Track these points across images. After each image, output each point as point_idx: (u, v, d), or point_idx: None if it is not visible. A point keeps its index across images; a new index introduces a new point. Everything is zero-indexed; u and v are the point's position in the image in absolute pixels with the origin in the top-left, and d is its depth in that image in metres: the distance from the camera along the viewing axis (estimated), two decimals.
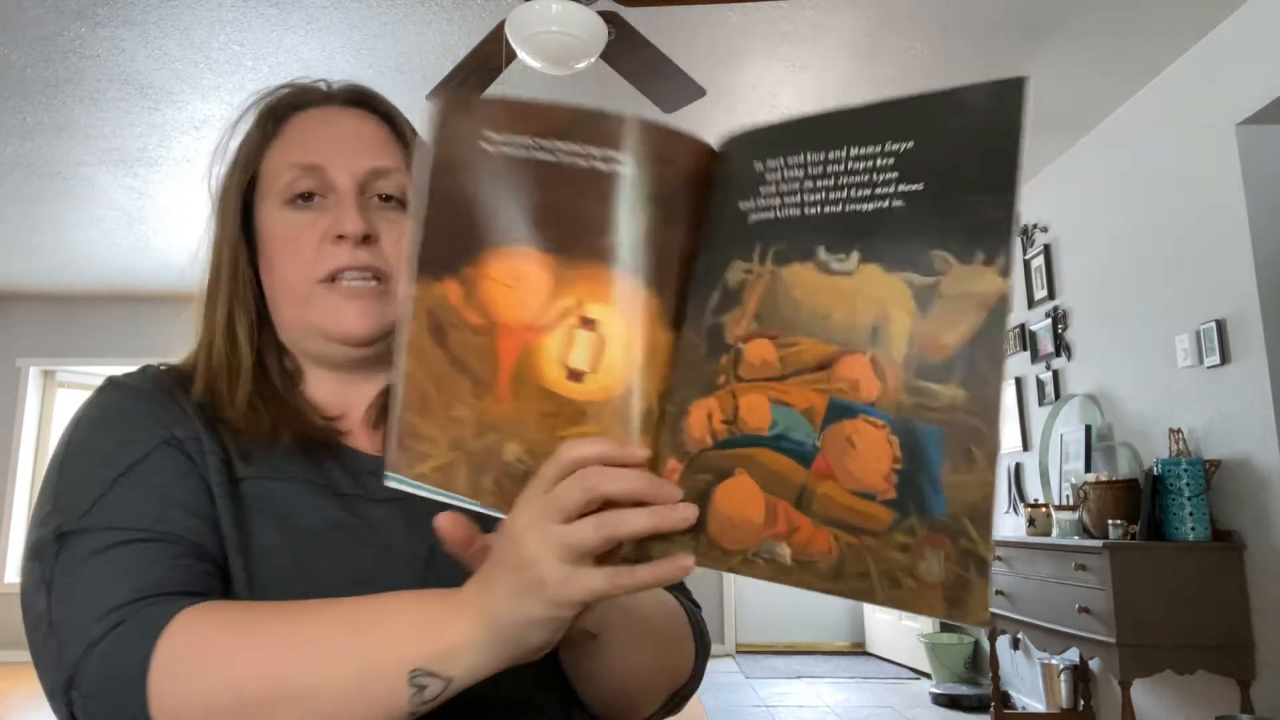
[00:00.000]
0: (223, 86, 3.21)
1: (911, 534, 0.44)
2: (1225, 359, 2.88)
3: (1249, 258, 2.78)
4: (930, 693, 4.48)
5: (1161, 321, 3.21)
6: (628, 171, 0.47)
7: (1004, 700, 4.04)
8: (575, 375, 0.47)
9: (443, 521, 0.51)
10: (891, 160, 0.46)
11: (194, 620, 0.53)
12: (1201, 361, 2.98)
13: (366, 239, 0.69)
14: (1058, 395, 3.92)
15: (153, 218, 4.58)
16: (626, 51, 2.61)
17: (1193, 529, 2.85)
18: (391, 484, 0.50)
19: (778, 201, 0.48)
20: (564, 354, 0.47)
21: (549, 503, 0.47)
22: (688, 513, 0.47)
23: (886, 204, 0.45)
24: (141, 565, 0.57)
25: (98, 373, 6.31)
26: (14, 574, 5.95)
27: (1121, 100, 3.42)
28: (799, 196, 0.48)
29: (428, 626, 0.51)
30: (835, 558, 0.45)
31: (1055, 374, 3.95)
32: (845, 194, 0.47)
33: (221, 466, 0.64)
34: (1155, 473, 2.97)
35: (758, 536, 0.46)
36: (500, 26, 2.47)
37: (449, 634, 0.50)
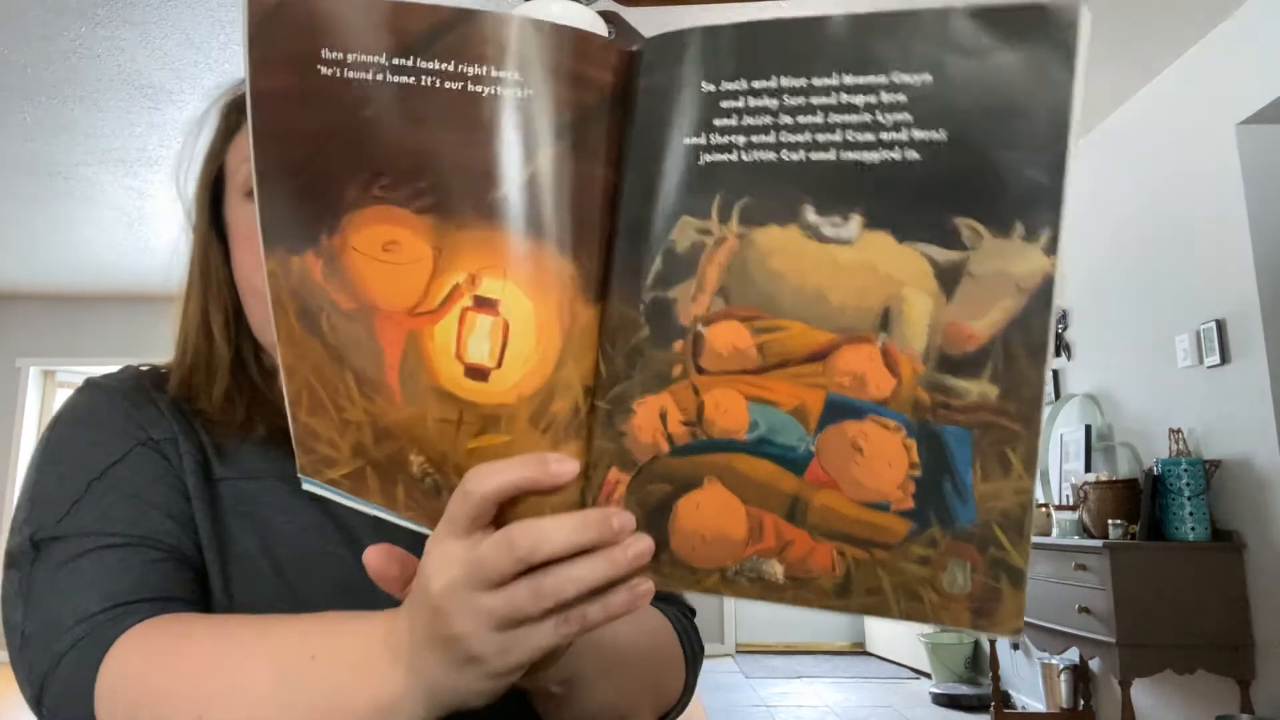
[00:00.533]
0: (223, 87, 3.20)
1: (932, 545, 0.38)
2: (1225, 359, 2.88)
3: (1249, 258, 2.78)
4: (930, 692, 4.48)
5: (1161, 321, 3.21)
6: (518, 93, 0.36)
7: (1004, 700, 4.04)
8: (476, 372, 0.38)
9: (371, 557, 0.45)
10: (903, 98, 0.36)
11: (132, 646, 0.51)
12: (1201, 361, 2.98)
13: None
14: (1057, 395, 3.92)
15: (153, 218, 4.58)
16: None
17: (1193, 529, 2.85)
18: (308, 488, 0.45)
19: (742, 140, 0.38)
20: (459, 346, 0.38)
21: (471, 570, 0.39)
22: (643, 546, 0.40)
23: (897, 154, 0.36)
24: (114, 572, 0.55)
25: (98, 373, 6.32)
26: None
27: (1122, 100, 3.42)
28: (774, 135, 0.38)
29: (365, 680, 0.45)
30: (840, 573, 0.39)
31: (1055, 374, 3.95)
32: (841, 136, 0.37)
33: (198, 467, 0.63)
34: (1155, 473, 2.97)
35: (739, 553, 0.40)
36: None
37: (387, 688, 0.44)
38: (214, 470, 0.64)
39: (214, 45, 2.94)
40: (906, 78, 0.36)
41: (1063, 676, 3.71)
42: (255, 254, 0.63)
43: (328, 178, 0.38)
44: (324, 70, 0.37)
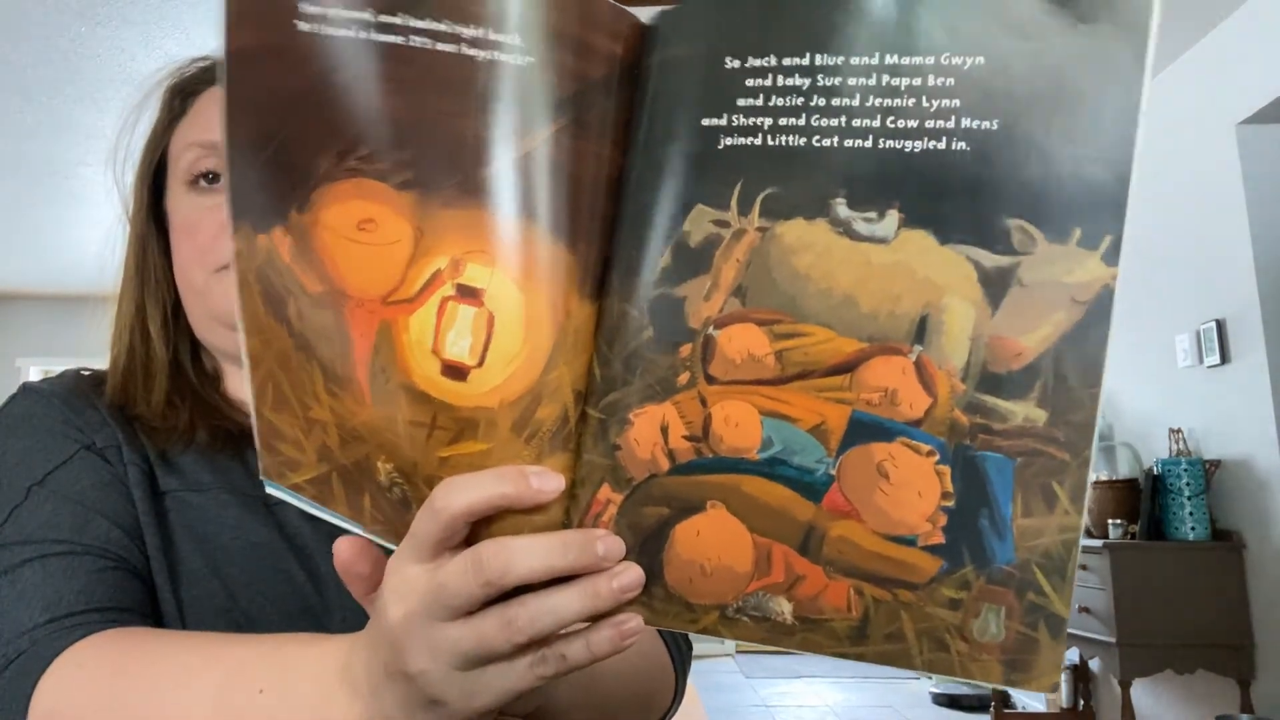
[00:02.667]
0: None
1: (965, 587, 0.34)
2: (1225, 359, 2.88)
3: (1249, 258, 2.78)
4: (930, 692, 4.48)
5: (1161, 321, 3.21)
6: (518, 60, 0.32)
7: (1004, 700, 4.04)
8: (455, 370, 0.33)
9: (342, 549, 0.38)
10: (952, 81, 0.32)
11: (71, 666, 0.47)
12: (1201, 361, 2.98)
13: None
14: None
15: None
16: None
17: (1193, 529, 2.85)
18: (270, 492, 0.41)
19: (768, 122, 0.34)
20: (436, 339, 0.33)
21: (432, 597, 0.34)
22: (631, 577, 0.35)
23: (943, 144, 0.32)
24: (57, 581, 0.52)
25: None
26: None
27: None
28: (804, 118, 0.33)
29: (317, 718, 0.40)
30: (857, 615, 0.35)
31: None
32: (880, 122, 0.33)
33: (144, 478, 0.60)
34: (1155, 472, 2.97)
35: (742, 588, 0.35)
36: None
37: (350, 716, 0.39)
38: (159, 482, 0.60)
39: (214, 45, 2.94)
40: (957, 59, 0.32)
41: (1063, 676, 3.71)
42: (197, 248, 0.62)
43: (301, 146, 0.33)
44: (302, 26, 0.32)
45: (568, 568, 0.34)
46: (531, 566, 0.34)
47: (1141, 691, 3.23)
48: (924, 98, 0.32)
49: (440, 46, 0.31)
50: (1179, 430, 3.03)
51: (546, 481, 0.34)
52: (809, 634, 0.35)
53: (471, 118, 0.32)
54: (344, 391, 0.35)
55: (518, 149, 0.32)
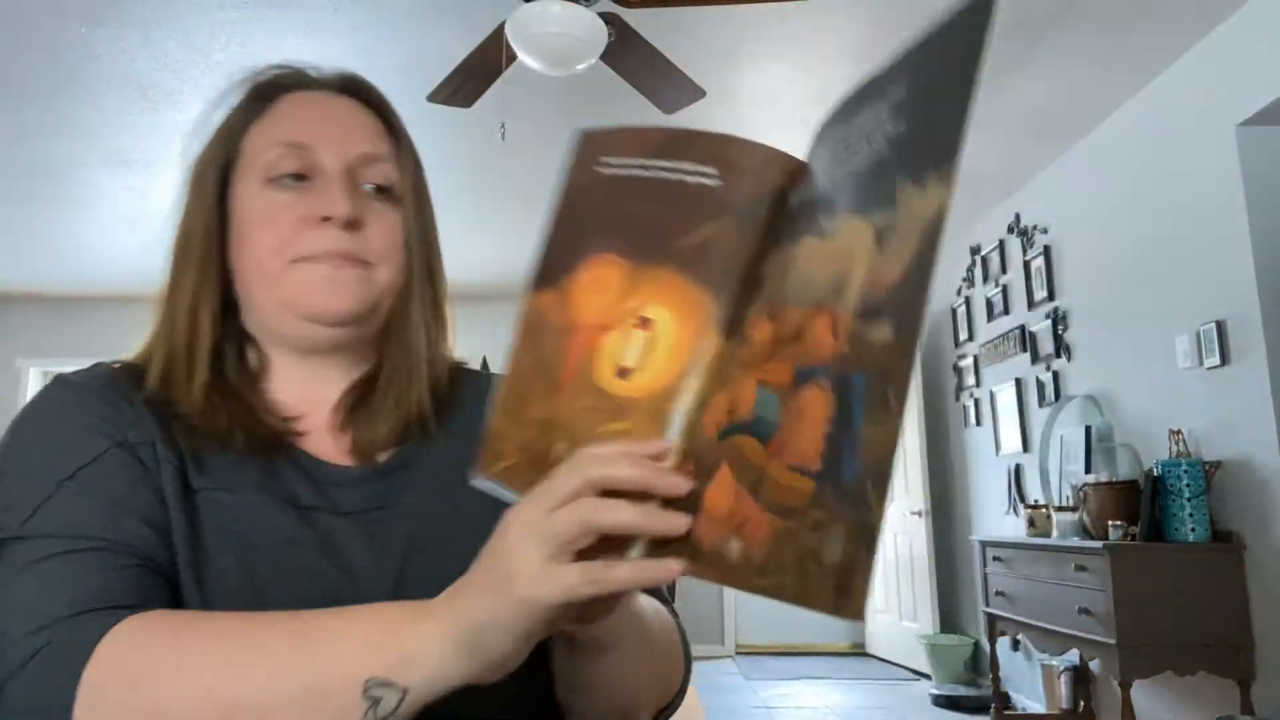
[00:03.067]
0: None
1: (824, 508, 0.40)
2: (1225, 359, 2.88)
3: (1249, 258, 2.78)
4: (930, 694, 4.48)
5: (1161, 322, 3.21)
6: (711, 184, 0.47)
7: (1004, 701, 4.04)
8: (623, 372, 0.46)
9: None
10: (889, 110, 0.43)
11: (131, 634, 0.50)
12: (1201, 362, 2.98)
13: (352, 224, 0.65)
14: (1058, 396, 3.92)
15: (153, 218, 4.58)
16: (626, 52, 2.61)
17: (1193, 530, 2.85)
18: (477, 484, 0.50)
19: (814, 185, 0.47)
20: (619, 352, 0.47)
21: (541, 490, 0.44)
22: (677, 520, 0.43)
23: (876, 151, 0.43)
24: (81, 576, 0.53)
25: None
26: None
27: (1121, 100, 3.42)
28: (828, 173, 0.46)
29: (382, 634, 0.47)
30: (767, 549, 0.41)
31: (1055, 375, 3.95)
32: (853, 158, 0.45)
33: (176, 475, 0.60)
34: (1155, 474, 2.97)
35: (719, 533, 0.43)
36: (501, 28, 2.47)
37: (406, 640, 0.47)
38: (191, 479, 0.61)
39: (214, 46, 2.94)
40: (895, 94, 0.43)
41: (1063, 677, 3.70)
42: (278, 239, 0.65)
43: (583, 239, 0.49)
44: (600, 170, 0.50)
45: (644, 481, 0.43)
46: (615, 473, 0.43)
47: (1141, 692, 3.23)
48: (875, 128, 0.44)
49: (669, 176, 0.48)
50: (1179, 431, 3.03)
51: (652, 444, 0.44)
52: (741, 571, 0.42)
53: (678, 216, 0.47)
54: (554, 393, 0.48)
55: (701, 234, 0.46)
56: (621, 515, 0.43)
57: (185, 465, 0.62)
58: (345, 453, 0.68)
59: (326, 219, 0.65)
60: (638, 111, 3.39)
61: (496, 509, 0.49)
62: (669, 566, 0.43)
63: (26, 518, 0.55)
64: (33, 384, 6.15)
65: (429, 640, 0.46)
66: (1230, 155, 2.86)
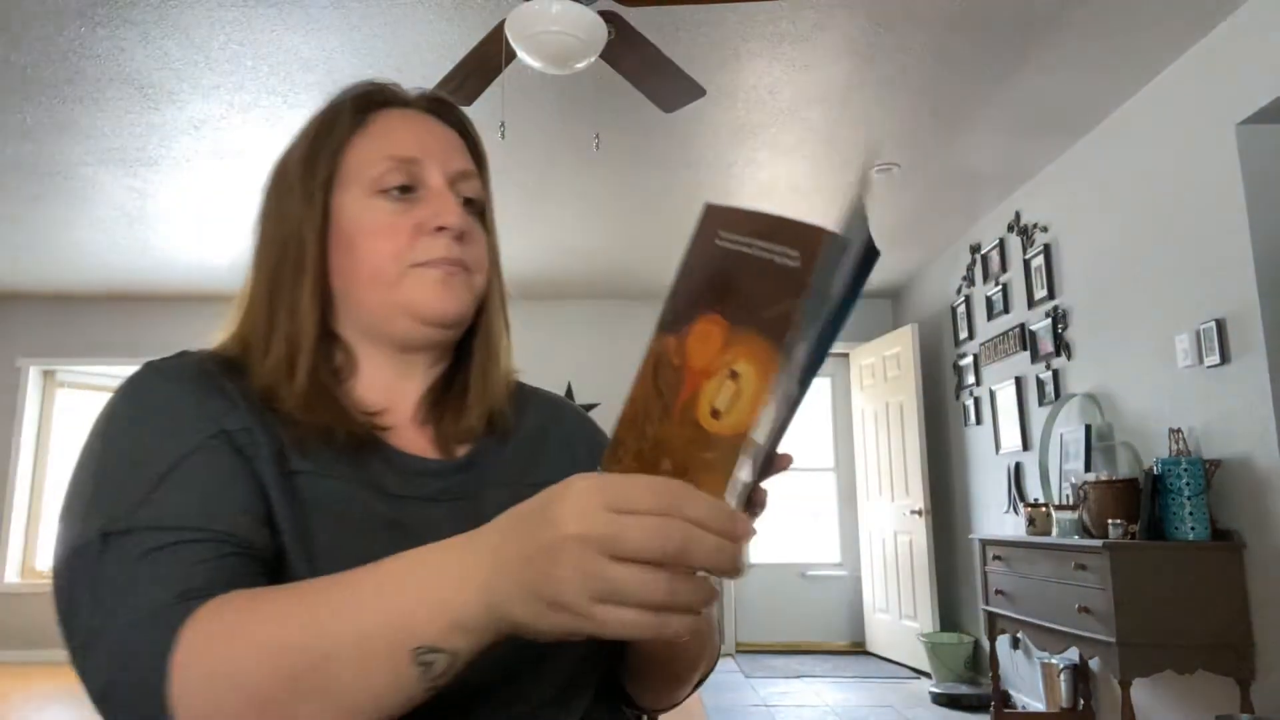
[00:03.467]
0: (223, 86, 3.21)
1: None
2: (1225, 359, 2.88)
3: (1249, 258, 2.78)
4: (930, 692, 4.48)
5: (1161, 321, 3.21)
6: (793, 263, 0.57)
7: (1004, 700, 4.04)
8: (715, 413, 0.56)
9: None
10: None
11: (210, 612, 0.52)
12: (1201, 361, 2.98)
13: (462, 234, 0.72)
14: (1058, 395, 3.92)
15: (153, 218, 4.58)
16: (626, 51, 2.61)
17: (1193, 529, 2.85)
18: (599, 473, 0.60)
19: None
20: (714, 396, 0.57)
21: (610, 537, 0.44)
22: (743, 565, 0.49)
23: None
24: (189, 566, 0.55)
25: (98, 373, 6.31)
26: (14, 574, 5.95)
27: (1121, 100, 3.42)
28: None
29: (435, 604, 0.49)
30: None
31: (1055, 374, 3.95)
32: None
33: (275, 458, 0.63)
34: (1155, 472, 2.97)
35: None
36: (500, 26, 2.47)
37: (454, 610, 0.49)
38: (291, 462, 0.64)
39: (214, 45, 2.94)
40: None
41: (1063, 676, 3.71)
42: (395, 246, 0.72)
43: (700, 297, 0.60)
44: (719, 242, 0.61)
45: (726, 571, 0.48)
46: (704, 562, 0.46)
47: (1141, 691, 3.24)
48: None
49: (763, 255, 0.57)
50: (1179, 430, 3.03)
51: (747, 531, 0.48)
52: None
53: (767, 290, 0.56)
54: (666, 419, 0.59)
55: (782, 305, 0.55)
56: (699, 597, 0.47)
57: (284, 450, 0.64)
58: (427, 445, 0.73)
59: (441, 228, 0.71)
60: (638, 111, 3.39)
61: None
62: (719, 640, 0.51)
63: (133, 509, 0.57)
64: (33, 384, 6.14)
65: (473, 615, 0.49)
66: (1230, 154, 2.86)
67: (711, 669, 0.79)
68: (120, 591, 0.54)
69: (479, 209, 0.77)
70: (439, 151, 0.74)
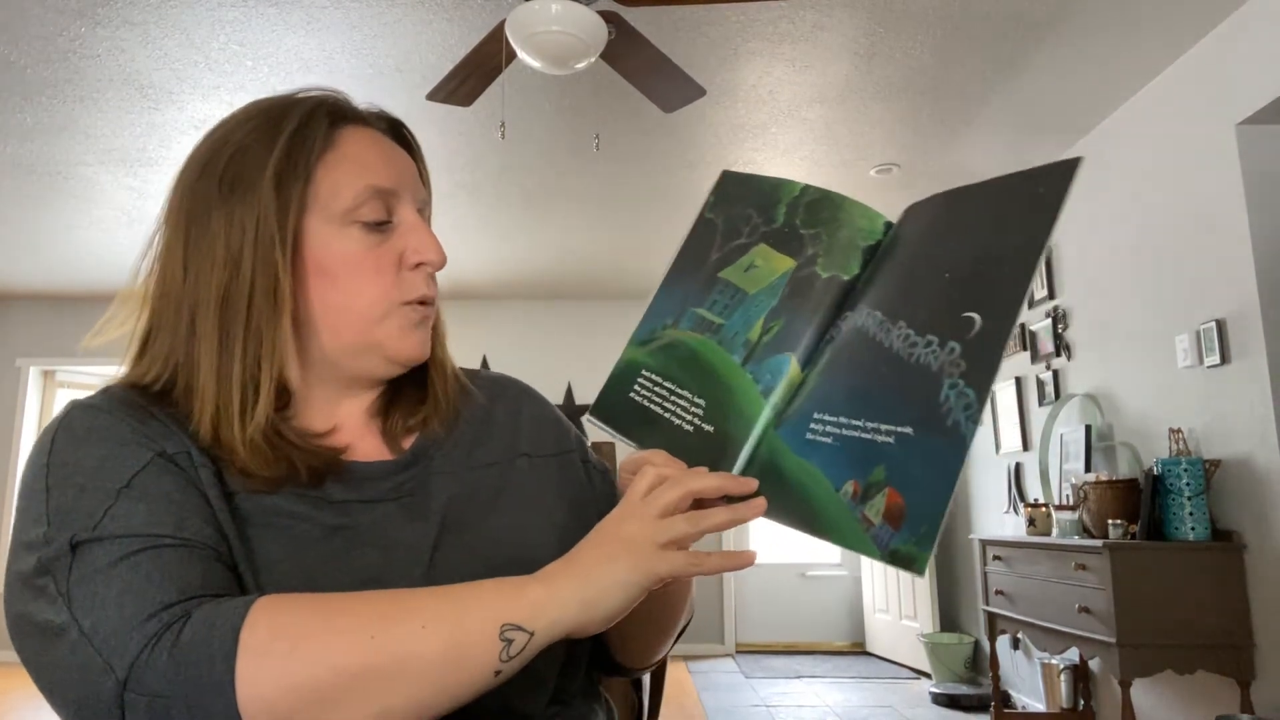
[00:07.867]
0: (223, 86, 3.21)
1: None
2: (1225, 359, 2.88)
3: (1249, 258, 2.78)
4: (930, 692, 4.48)
5: (1161, 321, 3.21)
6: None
7: (1004, 700, 4.04)
8: None
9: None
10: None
11: (276, 605, 0.54)
12: (1201, 361, 2.98)
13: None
14: (1058, 395, 3.92)
15: (152, 218, 4.57)
16: (626, 51, 2.61)
17: (1193, 529, 2.85)
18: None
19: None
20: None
21: (649, 501, 0.60)
22: (756, 509, 0.61)
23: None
24: (176, 567, 0.55)
25: (98, 373, 6.31)
26: None
27: (1121, 100, 3.42)
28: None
29: (515, 590, 0.57)
30: None
31: (1055, 374, 3.95)
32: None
33: (215, 480, 0.62)
34: (1155, 472, 2.97)
35: None
36: (500, 26, 2.47)
37: (533, 592, 0.56)
38: (229, 484, 0.63)
39: (214, 45, 2.94)
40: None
41: (1063, 676, 3.71)
42: (379, 279, 0.68)
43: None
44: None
45: (727, 487, 0.62)
46: (705, 484, 0.61)
47: (1141, 691, 3.23)
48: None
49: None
50: (1179, 430, 3.03)
51: (747, 486, 0.62)
52: None
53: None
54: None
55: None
56: (721, 519, 0.60)
57: (221, 471, 0.63)
58: (379, 446, 0.72)
59: (420, 264, 0.70)
60: (638, 111, 3.39)
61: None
62: (749, 556, 0.60)
63: (97, 522, 0.56)
64: (33, 384, 6.14)
65: (558, 595, 0.57)
66: (1230, 154, 2.86)
67: (689, 622, 0.84)
68: (102, 595, 0.53)
69: None
70: (410, 181, 0.71)
